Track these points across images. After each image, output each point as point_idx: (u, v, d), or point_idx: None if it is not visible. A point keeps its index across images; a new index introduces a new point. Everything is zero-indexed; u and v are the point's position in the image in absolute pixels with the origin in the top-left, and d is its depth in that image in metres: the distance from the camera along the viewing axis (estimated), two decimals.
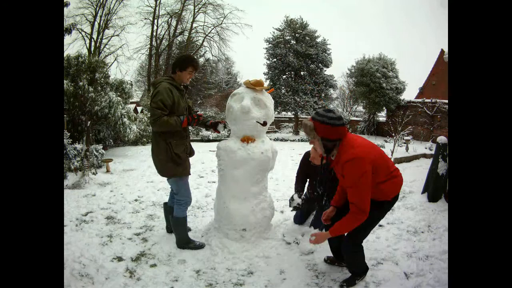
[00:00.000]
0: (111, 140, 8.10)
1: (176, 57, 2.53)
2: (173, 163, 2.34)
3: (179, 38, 18.60)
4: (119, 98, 6.71)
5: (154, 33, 17.28)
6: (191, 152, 2.56)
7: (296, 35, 13.00)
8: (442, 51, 13.53)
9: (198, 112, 2.54)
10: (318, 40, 12.94)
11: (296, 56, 12.62)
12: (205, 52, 19.02)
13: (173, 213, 2.49)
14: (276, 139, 11.71)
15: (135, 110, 10.60)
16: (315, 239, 1.90)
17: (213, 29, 17.84)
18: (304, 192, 2.85)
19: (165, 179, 2.52)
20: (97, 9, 16.34)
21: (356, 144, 1.76)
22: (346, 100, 20.98)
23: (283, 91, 12.99)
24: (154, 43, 17.52)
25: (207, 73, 19.93)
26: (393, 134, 7.94)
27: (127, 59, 21.76)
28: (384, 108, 12.67)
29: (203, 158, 6.63)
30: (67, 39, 11.89)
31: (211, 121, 2.63)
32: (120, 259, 2.35)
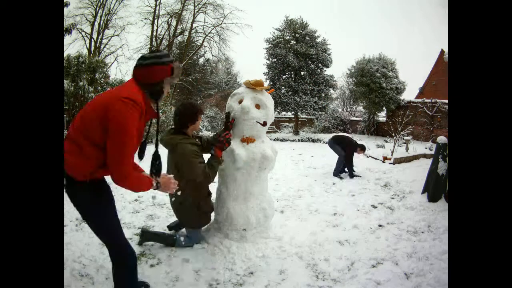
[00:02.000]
0: None
1: (178, 112, 2.35)
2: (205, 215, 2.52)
3: (179, 38, 18.60)
4: None
5: (154, 33, 17.28)
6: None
7: (296, 35, 13.00)
8: (442, 51, 13.54)
9: (223, 135, 2.37)
10: (318, 40, 12.94)
11: (296, 56, 12.62)
12: (205, 52, 19.04)
13: (180, 241, 2.50)
14: (276, 139, 11.71)
15: None
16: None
17: (213, 29, 17.84)
18: None
19: None
20: (97, 9, 16.35)
21: None
22: (346, 100, 20.98)
23: (283, 91, 12.99)
24: (154, 43, 17.51)
25: (207, 73, 19.93)
26: (393, 134, 7.94)
27: (127, 59, 21.72)
28: (384, 108, 12.67)
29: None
30: (67, 39, 11.91)
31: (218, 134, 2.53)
32: None
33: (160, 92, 1.52)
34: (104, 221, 1.60)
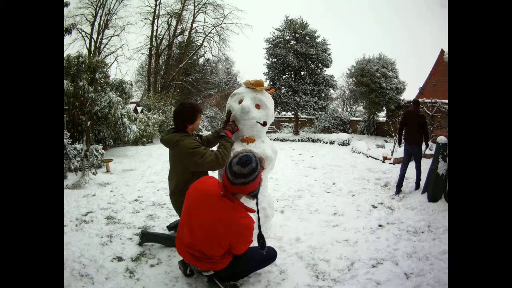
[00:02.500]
0: (111, 140, 8.11)
1: (177, 111, 2.35)
2: None
3: (179, 38, 18.61)
4: (119, 98, 6.72)
5: (154, 33, 17.29)
6: None
7: (296, 35, 13.00)
8: (442, 51, 13.54)
9: (230, 123, 2.51)
10: (318, 40, 12.94)
11: (296, 56, 12.62)
12: (205, 52, 19.05)
13: None
14: (276, 139, 11.71)
15: (135, 110, 10.61)
16: None
17: (213, 29, 17.85)
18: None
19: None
20: (97, 9, 16.35)
21: None
22: (346, 100, 20.98)
23: (283, 91, 12.99)
24: (154, 43, 17.52)
25: (207, 73, 19.93)
26: (393, 134, 7.94)
27: (127, 59, 21.84)
28: (384, 108, 12.67)
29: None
30: (67, 39, 11.93)
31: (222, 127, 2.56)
32: (120, 259, 2.35)
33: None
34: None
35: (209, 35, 17.96)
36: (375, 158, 7.24)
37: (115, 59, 17.12)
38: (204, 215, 1.77)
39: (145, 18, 17.29)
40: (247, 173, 1.70)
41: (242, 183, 1.71)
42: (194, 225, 1.80)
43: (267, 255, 2.00)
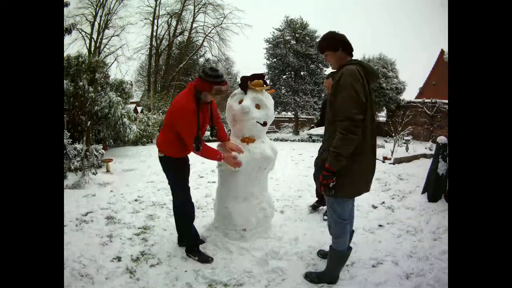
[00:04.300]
0: (111, 140, 8.11)
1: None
2: None
3: (179, 38, 18.61)
4: (119, 98, 6.71)
5: (154, 33, 17.30)
6: None
7: (296, 35, 13.00)
8: (442, 51, 13.55)
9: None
10: (318, 40, 12.94)
11: (296, 56, 12.61)
12: (205, 52, 19.04)
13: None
14: (276, 139, 11.71)
15: (135, 110, 10.60)
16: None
17: (213, 29, 17.86)
18: None
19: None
20: (97, 9, 16.36)
21: None
22: None
23: (283, 91, 12.99)
24: (154, 43, 17.53)
25: None
26: (393, 134, 7.94)
27: (127, 59, 21.77)
28: (384, 108, 12.67)
29: (203, 158, 6.62)
30: (67, 39, 11.91)
31: None
32: (120, 259, 2.35)
33: (203, 97, 2.19)
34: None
35: (209, 35, 17.97)
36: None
37: (115, 59, 17.14)
38: None
39: (145, 18, 17.32)
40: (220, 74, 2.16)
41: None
42: None
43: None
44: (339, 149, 1.72)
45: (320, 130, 3.17)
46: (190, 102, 2.15)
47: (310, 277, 2.12)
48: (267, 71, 13.29)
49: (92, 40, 16.50)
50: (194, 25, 17.79)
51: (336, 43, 1.91)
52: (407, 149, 7.49)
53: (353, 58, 1.96)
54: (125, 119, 6.81)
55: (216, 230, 2.66)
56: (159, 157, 2.37)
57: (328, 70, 13.48)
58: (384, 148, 8.20)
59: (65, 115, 6.05)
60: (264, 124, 2.53)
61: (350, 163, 1.79)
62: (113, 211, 3.37)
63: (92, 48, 16.27)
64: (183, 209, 2.41)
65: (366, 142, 1.85)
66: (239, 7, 22.42)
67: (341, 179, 1.81)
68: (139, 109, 11.71)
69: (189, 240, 2.45)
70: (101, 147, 5.68)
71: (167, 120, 2.27)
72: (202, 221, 3.11)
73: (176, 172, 2.38)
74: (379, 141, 9.50)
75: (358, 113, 1.71)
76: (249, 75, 2.54)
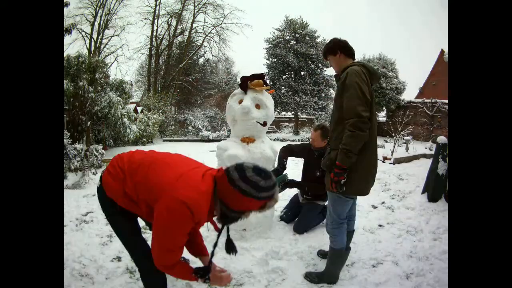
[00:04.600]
0: (111, 140, 8.11)
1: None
2: None
3: (179, 38, 18.61)
4: (119, 98, 6.72)
5: (154, 33, 17.30)
6: None
7: (296, 35, 13.01)
8: (442, 51, 13.54)
9: None
10: (318, 40, 12.94)
11: (296, 56, 12.62)
12: (205, 52, 19.05)
13: None
14: (276, 139, 11.71)
15: (135, 110, 10.61)
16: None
17: (213, 29, 17.86)
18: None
19: None
20: (97, 9, 16.36)
21: None
22: None
23: (283, 91, 12.99)
24: (154, 43, 17.52)
25: (207, 73, 19.92)
26: (393, 134, 7.94)
27: (127, 59, 21.88)
28: (384, 108, 12.68)
29: (203, 158, 6.62)
30: (67, 39, 11.91)
31: None
32: (120, 259, 2.35)
33: (235, 220, 1.36)
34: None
35: (209, 35, 17.97)
36: None
37: (115, 59, 17.15)
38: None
39: (145, 18, 17.32)
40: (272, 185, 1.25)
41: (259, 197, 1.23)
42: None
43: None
44: (348, 146, 1.76)
45: None
46: (204, 202, 1.26)
47: (310, 277, 2.12)
48: (267, 71, 13.30)
49: (92, 40, 16.51)
50: (194, 25, 17.81)
51: (335, 47, 2.01)
52: (407, 149, 7.49)
53: (355, 60, 2.04)
54: (125, 119, 6.82)
55: None
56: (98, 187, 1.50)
57: (328, 70, 13.49)
58: (384, 148, 8.20)
59: (65, 115, 6.05)
60: (264, 124, 2.53)
61: (360, 159, 1.83)
62: None
63: (92, 48, 16.27)
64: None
65: (373, 140, 1.93)
66: (239, 7, 22.48)
67: (351, 175, 1.84)
68: (139, 109, 11.72)
69: None
70: (101, 147, 5.69)
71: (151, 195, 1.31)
72: None
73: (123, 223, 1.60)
74: (379, 141, 9.50)
75: (365, 111, 1.75)
76: (249, 75, 2.55)
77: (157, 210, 1.24)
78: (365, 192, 1.98)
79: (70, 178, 4.47)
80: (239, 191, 1.21)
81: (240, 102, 2.51)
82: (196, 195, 1.22)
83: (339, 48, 2.00)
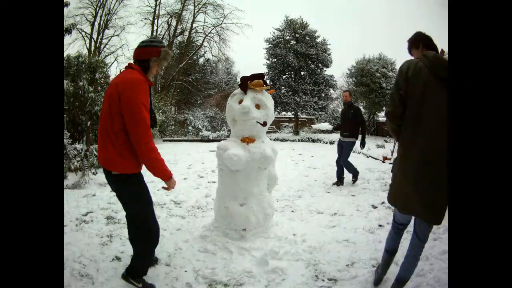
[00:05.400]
0: None
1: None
2: None
3: (179, 38, 18.61)
4: None
5: (154, 33, 17.29)
6: None
7: (296, 35, 13.01)
8: (442, 51, 13.53)
9: None
10: (318, 40, 12.95)
11: (296, 56, 12.62)
12: (205, 52, 19.05)
13: None
14: (276, 139, 11.71)
15: None
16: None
17: (213, 29, 17.85)
18: None
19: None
20: (97, 9, 16.37)
21: None
22: None
23: (283, 91, 13.00)
24: None
25: (207, 73, 19.93)
26: None
27: (127, 59, 21.74)
28: (384, 108, 12.68)
29: (203, 158, 6.63)
30: (67, 39, 11.90)
31: None
32: (120, 259, 2.35)
33: (147, 68, 1.82)
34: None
35: (209, 35, 17.96)
36: (375, 158, 7.25)
37: (115, 59, 17.17)
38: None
39: (145, 18, 17.32)
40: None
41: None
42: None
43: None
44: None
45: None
46: (138, 75, 1.77)
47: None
48: (267, 71, 13.31)
49: (92, 40, 16.52)
50: (194, 25, 17.80)
51: (417, 40, 1.92)
52: None
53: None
54: None
55: (216, 230, 2.66)
56: (114, 174, 1.89)
57: (328, 70, 13.50)
58: (384, 148, 8.21)
59: (65, 115, 6.05)
60: (264, 124, 2.53)
61: (396, 170, 1.82)
62: (113, 211, 3.37)
63: (92, 48, 16.28)
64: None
65: (414, 145, 1.66)
66: (239, 7, 22.43)
67: (390, 187, 1.88)
68: None
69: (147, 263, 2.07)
70: None
71: (108, 112, 1.73)
72: (202, 221, 3.11)
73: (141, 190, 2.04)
74: (379, 141, 9.51)
75: (389, 106, 1.82)
76: (249, 75, 2.55)
77: (124, 95, 1.68)
78: (403, 208, 1.90)
79: (70, 178, 4.47)
80: (139, 47, 1.84)
81: (240, 102, 2.51)
82: (137, 75, 1.77)
83: (421, 41, 1.89)
